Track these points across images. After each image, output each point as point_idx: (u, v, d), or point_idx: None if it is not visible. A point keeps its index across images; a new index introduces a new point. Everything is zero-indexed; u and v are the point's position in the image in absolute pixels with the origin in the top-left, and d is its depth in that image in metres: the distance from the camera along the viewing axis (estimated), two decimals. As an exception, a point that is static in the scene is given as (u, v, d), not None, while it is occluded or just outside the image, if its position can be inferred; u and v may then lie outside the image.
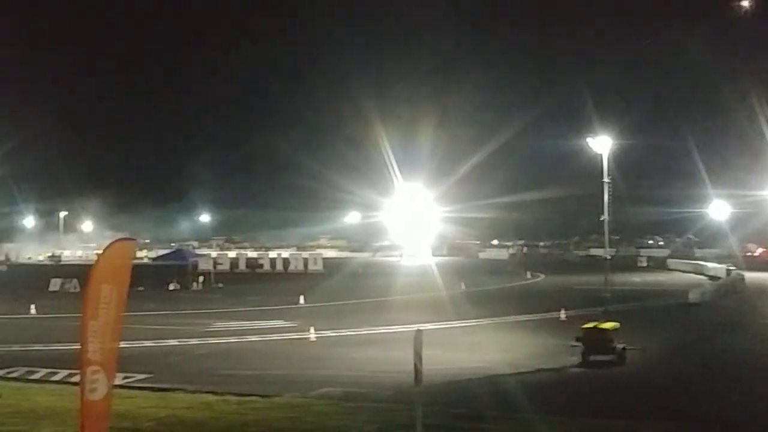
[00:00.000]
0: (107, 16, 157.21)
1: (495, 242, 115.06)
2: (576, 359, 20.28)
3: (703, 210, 79.95)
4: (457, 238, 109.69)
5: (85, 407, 8.78)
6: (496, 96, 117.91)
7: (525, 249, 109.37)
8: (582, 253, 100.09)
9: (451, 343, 23.28)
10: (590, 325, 20.97)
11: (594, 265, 61.60)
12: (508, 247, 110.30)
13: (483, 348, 23.29)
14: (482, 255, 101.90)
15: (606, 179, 28.37)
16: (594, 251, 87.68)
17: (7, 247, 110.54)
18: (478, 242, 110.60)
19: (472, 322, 29.26)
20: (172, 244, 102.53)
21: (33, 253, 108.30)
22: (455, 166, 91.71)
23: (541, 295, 43.03)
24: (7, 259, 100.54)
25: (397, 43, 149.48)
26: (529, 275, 60.86)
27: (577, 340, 20.53)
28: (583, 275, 56.40)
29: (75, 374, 14.10)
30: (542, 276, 61.03)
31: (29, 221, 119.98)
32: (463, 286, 46.83)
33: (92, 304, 8.89)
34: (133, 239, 9.86)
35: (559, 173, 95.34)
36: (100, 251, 9.56)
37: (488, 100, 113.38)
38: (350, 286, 48.59)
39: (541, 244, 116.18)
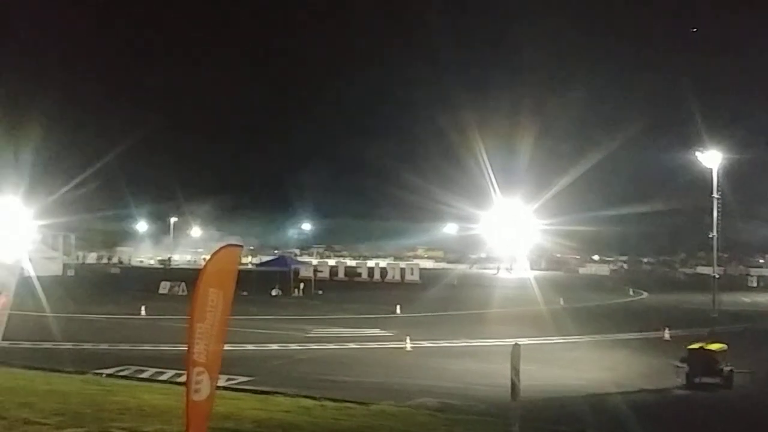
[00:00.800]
0: (221, 30, 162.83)
1: (596, 257, 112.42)
2: (680, 381, 19.59)
3: (819, 229, 75.86)
4: (557, 252, 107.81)
5: (189, 407, 9.09)
6: (599, 108, 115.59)
7: (626, 265, 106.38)
8: (688, 270, 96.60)
9: (549, 360, 22.88)
10: (696, 345, 20.21)
11: (701, 283, 59.21)
12: (609, 262, 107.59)
13: (583, 365, 22.79)
14: (582, 270, 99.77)
15: (716, 195, 27.32)
16: (701, 269, 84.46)
17: (120, 250, 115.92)
18: (578, 257, 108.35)
19: (571, 339, 28.68)
20: (275, 251, 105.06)
21: (144, 256, 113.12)
22: (555, 178, 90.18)
23: (644, 314, 41.72)
24: (120, 261, 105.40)
25: (497, 56, 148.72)
26: (631, 292, 59.12)
27: (682, 360, 19.83)
28: (688, 294, 54.37)
29: (181, 374, 14.64)
30: (645, 294, 59.18)
31: (141, 225, 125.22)
32: (562, 302, 45.95)
33: (200, 307, 9.20)
34: (239, 245, 10.14)
35: (665, 187, 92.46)
36: (209, 256, 9.88)
37: (591, 112, 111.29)
38: (446, 298, 48.47)
39: (645, 260, 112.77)
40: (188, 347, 9.06)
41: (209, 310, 9.24)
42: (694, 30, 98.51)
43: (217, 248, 10.04)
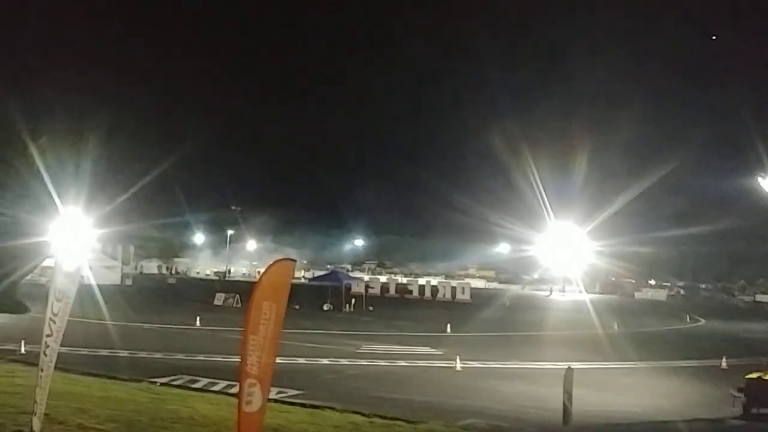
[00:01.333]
0: (279, 48, 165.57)
1: (652, 282, 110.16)
2: (737, 411, 19.07)
3: None
4: (612, 276, 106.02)
5: (241, 418, 9.23)
6: (656, 127, 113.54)
7: (683, 291, 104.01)
8: (747, 298, 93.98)
9: (602, 385, 22.51)
10: (754, 375, 19.67)
11: (760, 311, 57.65)
12: (666, 287, 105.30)
13: (636, 392, 22.35)
14: (638, 294, 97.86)
15: (778, 222, 26.60)
16: (761, 297, 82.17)
17: (178, 260, 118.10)
18: (634, 281, 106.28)
19: (625, 365, 28.14)
20: (328, 266, 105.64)
21: (201, 267, 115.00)
22: (611, 198, 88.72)
23: (701, 341, 40.73)
24: (177, 272, 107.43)
25: (550, 74, 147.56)
26: (688, 319, 57.80)
27: (740, 390, 19.33)
28: (747, 322, 52.91)
29: (233, 385, 14.83)
30: (703, 320, 57.77)
31: (199, 237, 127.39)
32: (617, 326, 45.15)
33: (253, 319, 9.33)
34: (293, 259, 10.30)
35: (724, 211, 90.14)
36: (263, 269, 10.04)
37: (647, 131, 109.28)
38: (498, 318, 48.08)
39: (703, 286, 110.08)
40: (241, 359, 9.20)
41: (262, 323, 9.38)
42: (714, 38, 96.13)
43: (271, 261, 10.21)
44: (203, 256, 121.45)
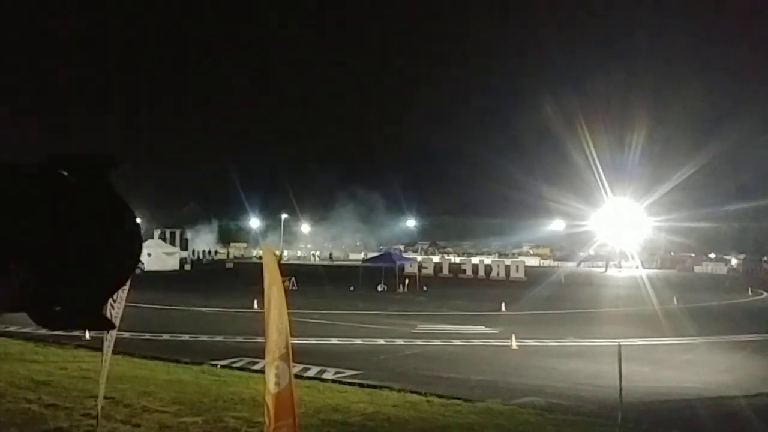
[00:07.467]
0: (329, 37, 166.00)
1: (712, 255, 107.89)
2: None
3: None
4: (670, 250, 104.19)
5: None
6: (717, 98, 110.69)
7: (743, 263, 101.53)
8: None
9: (662, 361, 22.23)
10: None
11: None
12: (726, 261, 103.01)
13: (697, 368, 22.00)
14: (697, 269, 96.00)
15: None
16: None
17: (235, 245, 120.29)
18: (693, 255, 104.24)
19: (686, 340, 27.69)
20: (381, 247, 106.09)
21: (257, 252, 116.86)
22: (670, 172, 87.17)
23: (764, 314, 39.83)
24: (234, 257, 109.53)
25: (606, 44, 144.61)
26: (749, 292, 56.52)
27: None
28: (814, 295, 51.48)
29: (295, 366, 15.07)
30: (765, 293, 56.45)
31: (254, 222, 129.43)
32: (676, 301, 44.42)
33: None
34: (270, 246, 10.96)
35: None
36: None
37: (707, 103, 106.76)
38: (553, 296, 47.70)
39: (765, 258, 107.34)
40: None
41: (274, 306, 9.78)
42: None
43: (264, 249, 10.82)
44: (258, 241, 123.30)
